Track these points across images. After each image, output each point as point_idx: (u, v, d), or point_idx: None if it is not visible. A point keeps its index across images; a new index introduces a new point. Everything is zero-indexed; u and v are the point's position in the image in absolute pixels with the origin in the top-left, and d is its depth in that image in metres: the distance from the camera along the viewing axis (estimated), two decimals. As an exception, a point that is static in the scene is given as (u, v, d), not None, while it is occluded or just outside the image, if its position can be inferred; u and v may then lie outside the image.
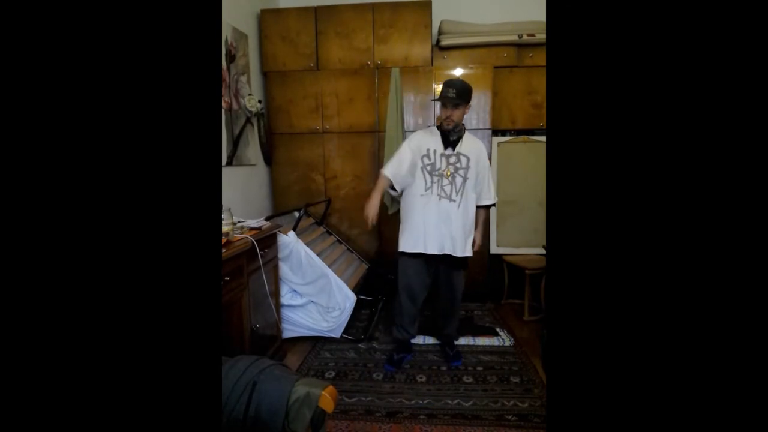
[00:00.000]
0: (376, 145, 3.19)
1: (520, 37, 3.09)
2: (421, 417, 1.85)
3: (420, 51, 3.10)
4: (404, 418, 1.85)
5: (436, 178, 2.16)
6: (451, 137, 2.16)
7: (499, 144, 3.27)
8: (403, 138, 3.12)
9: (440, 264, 2.25)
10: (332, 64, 3.16)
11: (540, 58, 3.14)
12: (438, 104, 3.07)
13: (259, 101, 2.99)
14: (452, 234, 2.16)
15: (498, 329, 2.75)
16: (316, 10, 3.12)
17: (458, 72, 3.12)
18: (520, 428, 1.78)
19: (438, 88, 3.12)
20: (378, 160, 3.13)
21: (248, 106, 2.86)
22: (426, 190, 2.17)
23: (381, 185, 2.20)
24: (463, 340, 2.59)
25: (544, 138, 3.22)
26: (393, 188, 2.20)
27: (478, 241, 2.31)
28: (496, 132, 3.23)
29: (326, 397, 1.11)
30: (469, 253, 2.23)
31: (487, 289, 3.30)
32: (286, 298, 2.51)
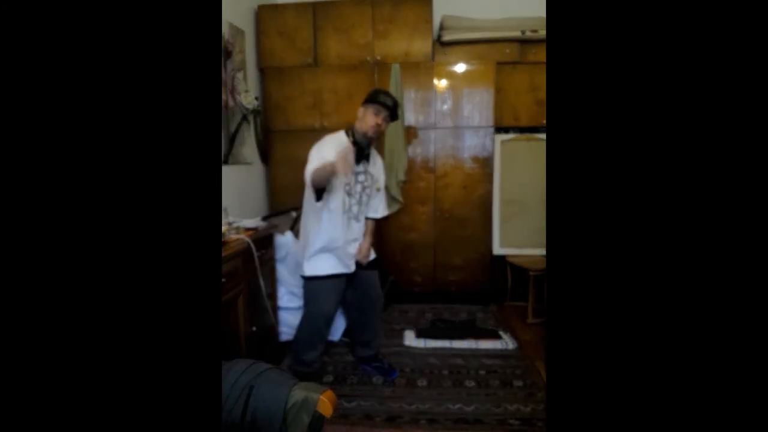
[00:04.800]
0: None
1: (523, 33, 3.04)
2: (422, 422, 1.81)
3: (421, 46, 3.05)
4: (405, 423, 1.81)
5: (355, 198, 1.99)
6: (366, 151, 1.96)
7: (502, 142, 3.22)
8: (404, 137, 3.07)
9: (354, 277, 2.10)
10: (331, 60, 3.10)
11: (543, 54, 3.08)
12: (437, 99, 3.06)
13: (256, 98, 2.93)
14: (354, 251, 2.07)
15: (501, 332, 2.69)
16: (315, 6, 3.07)
17: (460, 68, 3.07)
18: (526, 434, 1.72)
19: (439, 84, 3.07)
20: (377, 159, 3.07)
21: (245, 103, 2.80)
22: (339, 208, 1.94)
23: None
24: (465, 344, 2.53)
25: (547, 136, 3.17)
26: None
27: (364, 252, 2.09)
28: (498, 129, 3.17)
29: (324, 402, 1.10)
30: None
31: (490, 291, 3.24)
32: (283, 300, 2.45)
